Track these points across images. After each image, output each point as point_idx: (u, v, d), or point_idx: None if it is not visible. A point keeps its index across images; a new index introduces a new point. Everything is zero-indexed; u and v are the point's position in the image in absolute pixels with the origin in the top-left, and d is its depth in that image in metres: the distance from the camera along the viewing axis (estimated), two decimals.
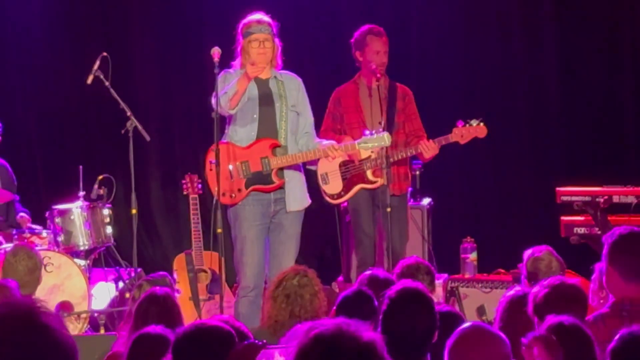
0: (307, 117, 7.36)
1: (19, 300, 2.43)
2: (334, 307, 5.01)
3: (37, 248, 7.89)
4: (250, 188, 7.07)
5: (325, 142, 7.24)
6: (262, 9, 7.94)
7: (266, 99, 7.19)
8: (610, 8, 9.66)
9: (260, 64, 7.08)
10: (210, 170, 7.23)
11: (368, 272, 5.67)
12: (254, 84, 7.15)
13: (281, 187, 7.10)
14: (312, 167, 7.46)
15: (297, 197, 7.18)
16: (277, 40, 7.16)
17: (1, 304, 2.46)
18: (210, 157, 7.23)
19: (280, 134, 7.16)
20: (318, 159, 7.39)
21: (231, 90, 7.19)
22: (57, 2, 10.57)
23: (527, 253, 5.98)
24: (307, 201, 7.26)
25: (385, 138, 7.06)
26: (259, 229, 7.12)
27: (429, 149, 7.40)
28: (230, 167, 7.13)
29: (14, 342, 2.33)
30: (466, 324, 3.94)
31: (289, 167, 7.13)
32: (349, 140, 7.27)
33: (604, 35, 9.72)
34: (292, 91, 7.29)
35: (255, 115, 7.13)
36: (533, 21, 9.96)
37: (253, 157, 7.13)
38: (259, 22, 7.14)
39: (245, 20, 7.13)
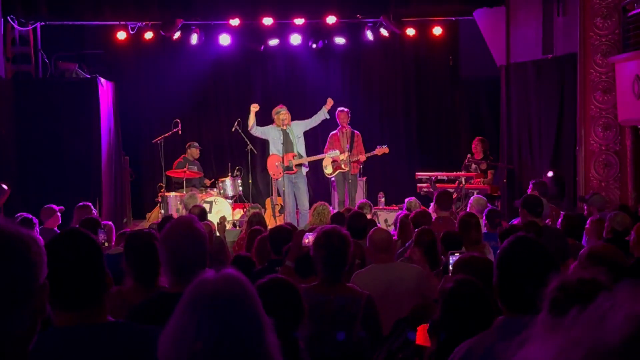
0: (302, 141, 9.17)
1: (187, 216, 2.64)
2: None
3: (212, 196, 9.61)
4: (285, 172, 8.79)
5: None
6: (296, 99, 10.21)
7: (287, 137, 9.01)
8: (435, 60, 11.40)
9: (280, 122, 8.64)
10: (268, 166, 9.09)
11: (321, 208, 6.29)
12: (280, 132, 8.75)
13: (296, 172, 8.90)
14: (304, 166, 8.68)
15: (302, 174, 9.01)
16: (288, 113, 8.98)
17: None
18: (268, 162, 9.04)
19: (295, 151, 9.02)
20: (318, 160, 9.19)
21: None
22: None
23: (406, 200, 7.07)
24: (305, 175, 8.96)
25: (337, 152, 9.05)
26: (290, 188, 9.01)
27: (364, 157, 9.40)
28: (277, 164, 9.07)
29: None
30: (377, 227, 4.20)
31: (299, 164, 8.85)
32: (332, 152, 9.06)
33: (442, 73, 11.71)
34: (297, 132, 9.10)
35: (282, 143, 8.83)
36: (401, 81, 11.57)
37: (285, 160, 8.88)
38: (280, 107, 9.02)
39: (276, 107, 9.22)
